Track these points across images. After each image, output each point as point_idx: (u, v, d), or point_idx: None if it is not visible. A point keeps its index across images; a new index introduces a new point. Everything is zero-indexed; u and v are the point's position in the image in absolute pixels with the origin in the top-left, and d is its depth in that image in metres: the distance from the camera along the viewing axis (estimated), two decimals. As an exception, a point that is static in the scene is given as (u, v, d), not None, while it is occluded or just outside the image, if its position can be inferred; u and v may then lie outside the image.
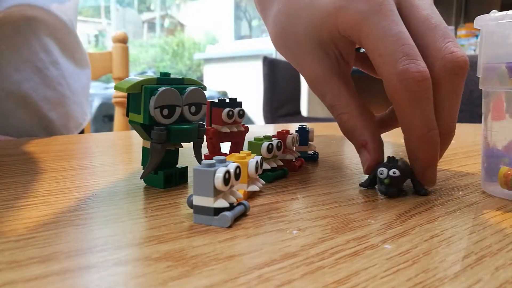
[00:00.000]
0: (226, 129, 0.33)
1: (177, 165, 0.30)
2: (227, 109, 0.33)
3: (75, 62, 0.64)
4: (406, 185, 0.29)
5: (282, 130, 0.34)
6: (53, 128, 0.60)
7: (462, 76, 0.27)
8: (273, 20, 0.35)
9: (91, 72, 0.86)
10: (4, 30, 0.53)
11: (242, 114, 0.34)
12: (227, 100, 0.34)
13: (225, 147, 0.35)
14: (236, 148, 0.35)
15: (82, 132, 0.69)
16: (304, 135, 0.37)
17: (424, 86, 0.26)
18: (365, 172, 0.30)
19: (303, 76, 0.33)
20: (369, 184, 0.29)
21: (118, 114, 1.07)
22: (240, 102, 0.34)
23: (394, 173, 0.27)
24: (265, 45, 3.39)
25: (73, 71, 0.63)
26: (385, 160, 0.28)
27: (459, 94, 0.28)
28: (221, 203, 0.21)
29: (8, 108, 0.55)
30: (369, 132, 0.30)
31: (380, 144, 0.30)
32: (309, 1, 0.31)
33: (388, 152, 0.30)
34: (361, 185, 0.29)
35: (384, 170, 0.27)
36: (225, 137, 0.34)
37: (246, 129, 0.35)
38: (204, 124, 0.30)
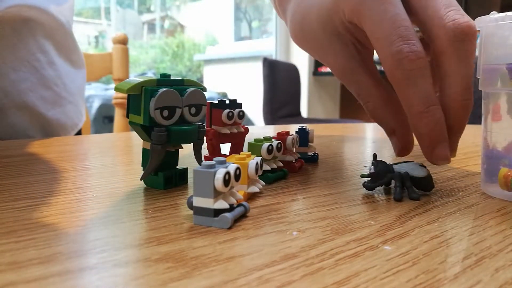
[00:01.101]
0: (226, 130, 0.33)
1: (177, 166, 0.30)
2: (227, 110, 0.33)
3: (71, 63, 0.65)
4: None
5: (282, 131, 0.34)
6: (50, 128, 0.60)
7: (468, 42, 0.27)
8: (290, 19, 0.36)
9: (91, 74, 0.86)
10: (1, 30, 0.54)
11: (242, 115, 0.34)
12: (227, 101, 0.34)
13: (225, 148, 0.35)
14: (236, 149, 0.35)
15: (79, 132, 0.70)
16: (304, 136, 0.37)
17: (418, 64, 0.27)
18: (397, 156, 0.31)
19: (329, 68, 0.34)
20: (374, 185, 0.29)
21: (118, 115, 1.07)
22: (240, 103, 0.34)
23: (370, 169, 0.28)
24: (265, 46, 3.39)
25: (69, 72, 0.64)
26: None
27: (467, 61, 0.27)
28: (221, 204, 0.21)
29: (5, 107, 0.55)
30: (395, 119, 0.30)
31: (408, 129, 0.30)
32: None
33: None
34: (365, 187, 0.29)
35: (369, 166, 0.29)
36: (225, 138, 0.34)
37: (246, 130, 0.35)
38: (204, 125, 0.30)
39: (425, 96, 0.27)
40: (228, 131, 0.33)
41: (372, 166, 0.28)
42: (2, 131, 0.56)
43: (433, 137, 0.27)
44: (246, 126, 0.36)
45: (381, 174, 0.28)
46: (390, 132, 0.31)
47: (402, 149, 0.31)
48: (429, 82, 0.27)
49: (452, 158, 0.28)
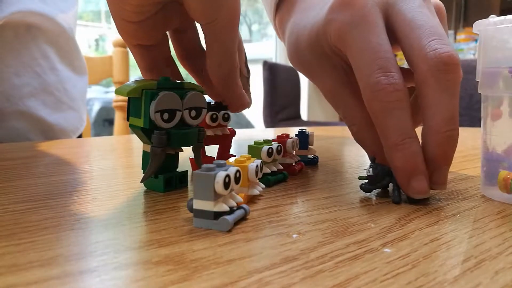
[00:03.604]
0: (210, 132, 0.34)
1: (177, 169, 0.30)
2: (210, 112, 0.33)
3: (74, 69, 0.66)
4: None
5: (282, 134, 0.34)
6: (51, 132, 0.61)
7: (449, 72, 0.26)
8: (287, 40, 0.37)
9: (92, 76, 0.87)
10: (5, 35, 0.54)
11: (227, 117, 0.34)
12: (212, 103, 0.34)
13: (214, 150, 0.35)
14: (223, 151, 0.36)
15: (80, 136, 0.70)
16: (304, 139, 0.38)
17: (395, 97, 0.26)
18: None
19: (319, 89, 0.34)
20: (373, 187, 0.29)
21: (118, 118, 1.07)
22: (226, 106, 0.34)
23: (368, 172, 0.28)
24: (265, 50, 3.40)
25: (71, 78, 0.65)
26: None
27: (450, 92, 0.27)
28: (221, 207, 0.21)
29: (7, 111, 0.56)
30: (376, 144, 0.30)
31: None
32: (310, 20, 0.33)
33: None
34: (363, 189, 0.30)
35: (367, 168, 0.29)
36: (209, 140, 0.34)
37: (233, 133, 0.35)
38: (203, 128, 0.30)
39: (401, 128, 0.27)
40: (212, 133, 0.34)
41: (371, 169, 0.28)
42: (3, 135, 0.56)
43: (408, 170, 0.26)
44: (232, 128, 0.36)
45: (379, 176, 0.28)
46: (372, 156, 0.31)
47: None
48: (406, 114, 0.27)
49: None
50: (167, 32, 0.34)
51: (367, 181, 0.29)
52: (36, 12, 0.56)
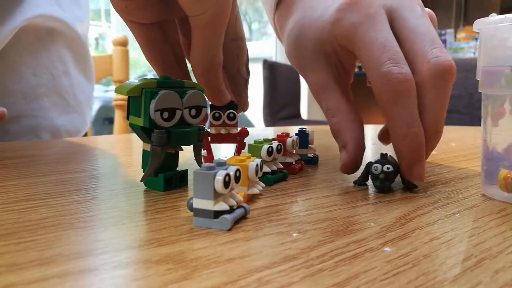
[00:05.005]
0: (213, 131, 0.35)
1: (177, 168, 0.30)
2: (213, 111, 0.34)
3: (84, 74, 0.69)
4: (399, 185, 0.30)
5: (282, 133, 0.34)
6: (57, 133, 0.64)
7: (447, 79, 0.29)
8: (286, 37, 0.38)
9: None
10: (27, 36, 0.58)
11: (232, 117, 0.34)
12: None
13: (229, 150, 0.35)
14: (237, 150, 0.36)
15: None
16: (304, 138, 0.38)
17: (405, 86, 0.28)
18: (341, 169, 0.32)
19: (307, 84, 0.35)
20: (362, 181, 0.31)
21: (118, 117, 1.07)
22: (235, 106, 0.35)
23: (388, 168, 0.29)
24: (265, 48, 3.40)
25: (80, 83, 0.68)
26: (380, 156, 0.30)
27: (444, 97, 0.29)
28: (221, 206, 0.21)
29: (23, 108, 0.59)
30: (351, 136, 0.31)
31: (359, 147, 0.31)
32: (315, 18, 0.34)
33: (387, 151, 0.31)
34: (354, 182, 0.31)
35: (379, 166, 0.29)
36: (215, 139, 0.35)
37: (244, 133, 0.35)
38: (204, 127, 0.30)
39: (409, 117, 0.28)
40: (215, 132, 0.34)
41: (390, 166, 0.29)
42: (16, 130, 0.59)
43: (413, 158, 0.29)
44: (245, 127, 0.36)
45: (395, 171, 0.29)
46: (342, 146, 0.32)
47: (348, 163, 0.31)
48: (414, 104, 0.29)
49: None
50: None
51: (360, 176, 0.30)
52: (55, 17, 0.59)
